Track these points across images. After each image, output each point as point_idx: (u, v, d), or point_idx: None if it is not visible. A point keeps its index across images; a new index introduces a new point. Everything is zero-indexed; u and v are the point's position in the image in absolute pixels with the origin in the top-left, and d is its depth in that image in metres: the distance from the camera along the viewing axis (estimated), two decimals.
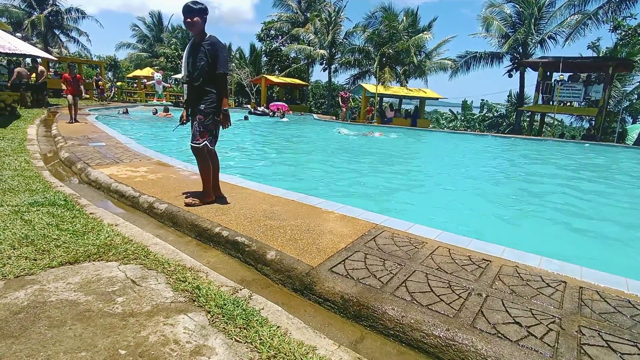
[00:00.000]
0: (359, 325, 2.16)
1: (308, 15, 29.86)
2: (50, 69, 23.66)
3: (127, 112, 15.73)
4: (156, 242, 2.91)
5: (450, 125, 34.49)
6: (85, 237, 2.81)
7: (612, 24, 20.22)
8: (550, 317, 2.05)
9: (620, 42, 21.04)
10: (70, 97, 10.35)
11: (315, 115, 24.60)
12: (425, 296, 2.22)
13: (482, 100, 34.36)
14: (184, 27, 37.80)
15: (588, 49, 24.45)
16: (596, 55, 23.96)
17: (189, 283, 2.27)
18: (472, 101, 35.74)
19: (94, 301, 2.04)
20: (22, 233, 2.75)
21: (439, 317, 2.02)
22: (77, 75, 10.84)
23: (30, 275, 2.24)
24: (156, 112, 16.95)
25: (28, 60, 17.40)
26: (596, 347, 1.82)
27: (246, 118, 18.56)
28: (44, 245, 2.60)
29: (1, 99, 10.60)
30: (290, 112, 24.49)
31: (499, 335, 1.89)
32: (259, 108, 23.25)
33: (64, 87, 10.40)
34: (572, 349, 1.81)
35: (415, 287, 2.31)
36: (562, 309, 2.14)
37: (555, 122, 26.64)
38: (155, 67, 31.90)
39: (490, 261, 2.75)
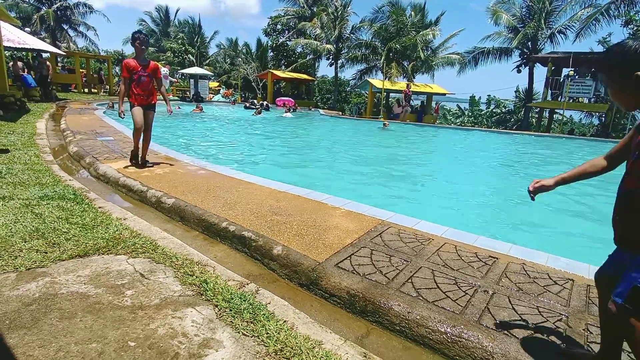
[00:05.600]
0: (365, 321, 2.17)
1: (314, 9, 29.70)
2: (59, 64, 23.88)
3: (112, 106, 15.42)
4: (164, 236, 2.94)
5: (458, 121, 34.21)
6: (95, 231, 2.85)
7: (623, 18, 19.83)
8: (557, 315, 2.04)
9: (632, 38, 20.61)
10: (138, 112, 4.84)
11: (321, 111, 24.48)
12: (432, 292, 2.22)
13: (489, 95, 33.98)
14: (190, 20, 37.78)
15: (598, 44, 24.05)
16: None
17: (196, 277, 2.30)
18: (479, 97, 35.39)
19: (104, 294, 2.07)
20: (33, 226, 2.79)
21: (445, 314, 2.02)
22: (153, 63, 5.00)
23: (42, 267, 2.28)
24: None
25: (46, 55, 17.50)
26: None
27: (259, 112, 18.43)
28: (54, 238, 2.64)
29: (11, 93, 10.69)
30: (298, 107, 24.34)
31: (505, 332, 1.89)
32: (256, 103, 22.99)
33: (122, 87, 4.87)
34: (580, 347, 1.80)
35: (422, 284, 2.32)
36: (570, 307, 2.13)
37: (565, 119, 26.30)
38: (162, 62, 32.06)
39: (497, 258, 2.74)
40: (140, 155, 5.11)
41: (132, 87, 4.81)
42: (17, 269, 2.24)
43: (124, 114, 4.99)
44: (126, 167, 5.04)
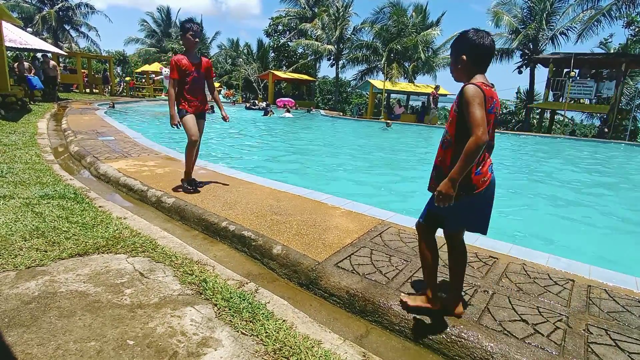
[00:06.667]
0: (364, 320, 2.17)
1: (316, 10, 29.73)
2: (61, 64, 23.93)
3: (113, 106, 15.38)
4: (164, 236, 2.94)
5: None
6: (95, 230, 2.85)
7: (625, 20, 19.81)
8: (557, 315, 2.04)
9: (634, 39, 20.61)
10: (192, 121, 3.91)
11: (322, 112, 24.41)
12: None
13: None
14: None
15: (600, 45, 24.01)
16: (606, 52, 23.50)
17: (195, 276, 2.30)
18: None
19: (103, 292, 2.07)
20: (33, 225, 2.80)
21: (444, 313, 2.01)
22: (206, 60, 4.02)
23: (41, 266, 2.28)
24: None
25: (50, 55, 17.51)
26: (604, 346, 1.80)
27: (268, 113, 18.41)
28: (54, 237, 2.64)
29: (12, 93, 10.71)
30: (297, 107, 24.34)
31: (505, 332, 1.88)
32: (257, 103, 22.97)
33: (171, 91, 3.77)
34: (579, 347, 1.80)
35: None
36: (570, 307, 2.12)
37: (566, 120, 26.25)
38: (164, 63, 32.05)
39: (497, 258, 2.73)
40: (192, 184, 4.04)
41: (183, 92, 3.83)
42: (16, 267, 2.24)
43: (179, 124, 3.83)
44: (176, 189, 4.05)
